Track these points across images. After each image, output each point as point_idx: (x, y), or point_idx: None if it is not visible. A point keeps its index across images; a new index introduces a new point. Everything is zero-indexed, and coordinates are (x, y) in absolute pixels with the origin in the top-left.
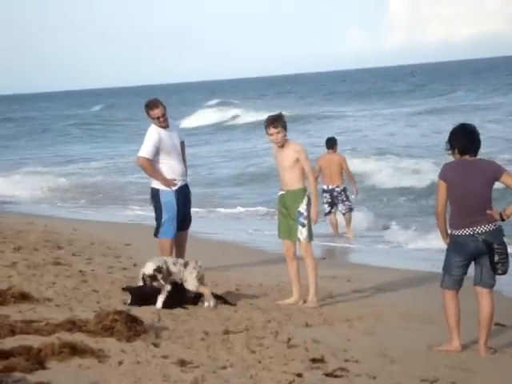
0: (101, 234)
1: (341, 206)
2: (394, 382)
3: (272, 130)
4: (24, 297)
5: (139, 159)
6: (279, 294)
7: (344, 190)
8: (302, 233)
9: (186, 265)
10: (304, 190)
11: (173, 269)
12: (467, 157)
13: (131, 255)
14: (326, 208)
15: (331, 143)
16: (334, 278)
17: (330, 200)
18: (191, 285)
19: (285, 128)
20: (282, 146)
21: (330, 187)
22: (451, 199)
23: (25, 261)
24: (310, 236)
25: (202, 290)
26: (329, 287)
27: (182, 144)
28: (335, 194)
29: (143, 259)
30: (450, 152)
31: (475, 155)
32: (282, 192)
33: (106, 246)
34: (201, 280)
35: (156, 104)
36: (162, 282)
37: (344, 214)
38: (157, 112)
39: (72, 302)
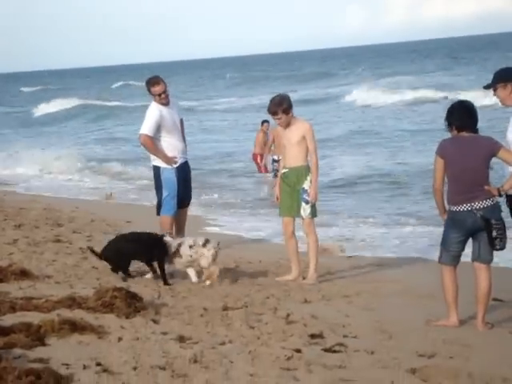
0: (101, 212)
1: None
2: (391, 356)
3: (274, 117)
4: (24, 274)
5: (141, 136)
6: (278, 271)
7: None
8: (305, 210)
9: (205, 243)
10: (308, 167)
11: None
12: (464, 133)
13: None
14: (274, 175)
15: None
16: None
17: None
18: (205, 261)
19: (287, 110)
20: (288, 126)
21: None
22: (449, 175)
23: (25, 238)
24: (313, 213)
25: (213, 268)
26: (327, 263)
27: (181, 121)
28: None
29: None
30: (448, 129)
31: (473, 131)
32: (285, 170)
33: (106, 223)
34: (215, 259)
35: (157, 81)
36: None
37: None
38: (158, 89)
39: (72, 279)
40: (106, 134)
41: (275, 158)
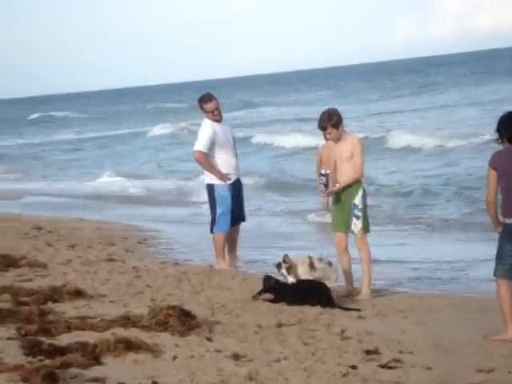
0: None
1: None
2: (449, 372)
3: (324, 132)
4: (79, 293)
5: (195, 153)
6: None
7: None
8: (356, 225)
9: (330, 264)
10: (360, 182)
11: (317, 265)
12: None
13: (183, 250)
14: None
15: None
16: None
17: (325, 182)
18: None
19: (336, 125)
20: (338, 141)
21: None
22: (501, 187)
23: (79, 258)
24: (365, 228)
25: None
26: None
27: (233, 138)
28: None
29: (195, 254)
30: (499, 141)
31: None
32: (337, 185)
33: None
34: None
35: (210, 97)
36: (283, 271)
37: None
38: (211, 106)
39: (126, 298)
40: None
41: (322, 172)
